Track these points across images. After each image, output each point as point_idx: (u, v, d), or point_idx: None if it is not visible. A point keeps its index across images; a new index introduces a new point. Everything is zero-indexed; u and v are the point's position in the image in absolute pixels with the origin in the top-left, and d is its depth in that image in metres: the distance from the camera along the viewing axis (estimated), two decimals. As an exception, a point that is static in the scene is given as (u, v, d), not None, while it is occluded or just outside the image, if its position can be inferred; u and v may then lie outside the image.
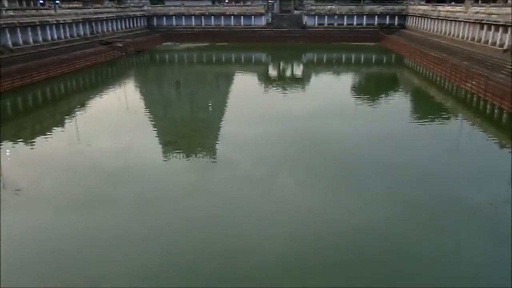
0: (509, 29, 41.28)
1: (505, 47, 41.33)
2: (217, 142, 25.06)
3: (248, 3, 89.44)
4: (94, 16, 60.40)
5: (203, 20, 79.18)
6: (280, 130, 26.67)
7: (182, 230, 15.13)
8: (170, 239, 14.54)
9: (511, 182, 19.03)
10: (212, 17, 79.06)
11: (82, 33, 56.87)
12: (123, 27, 69.56)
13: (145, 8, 79.61)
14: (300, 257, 13.50)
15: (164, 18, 79.55)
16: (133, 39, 66.20)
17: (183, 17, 79.29)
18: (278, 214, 16.11)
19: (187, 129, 28.84)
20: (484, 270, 12.94)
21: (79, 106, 34.37)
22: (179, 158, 22.51)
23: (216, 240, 14.44)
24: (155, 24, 79.65)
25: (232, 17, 78.89)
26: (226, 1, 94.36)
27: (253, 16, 78.88)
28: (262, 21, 79.10)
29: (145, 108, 34.58)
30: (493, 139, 26.09)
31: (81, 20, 56.42)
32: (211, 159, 22.30)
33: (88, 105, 35.02)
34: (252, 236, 14.71)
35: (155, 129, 28.24)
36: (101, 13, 63.34)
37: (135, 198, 17.46)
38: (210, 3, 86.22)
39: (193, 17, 79.12)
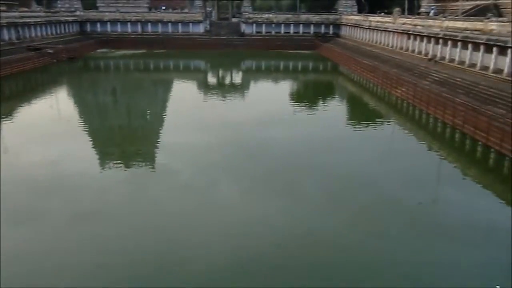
0: (432, 39, 44.29)
1: (429, 56, 44.27)
2: (156, 151, 24.47)
3: (186, 10, 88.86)
4: (20, 21, 56.92)
5: (139, 26, 77.32)
6: (220, 137, 26.58)
7: (121, 242, 14.53)
8: (107, 252, 13.91)
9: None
10: (149, 23, 77.46)
11: (6, 38, 53.32)
12: (54, 32, 66.20)
13: (78, 13, 76.36)
14: (244, 264, 13.46)
15: (98, 24, 76.73)
16: (65, 45, 63.22)
17: (118, 23, 76.89)
18: (221, 223, 15.97)
19: (125, 138, 27.92)
20: (414, 266, 13.60)
21: (4, 116, 32.11)
22: (117, 169, 21.70)
23: (157, 250, 14.03)
24: (88, 30, 76.59)
25: (169, 24, 77.78)
26: (163, 7, 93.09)
27: (191, 24, 78.33)
28: (200, 29, 78.78)
29: (79, 117, 33.05)
30: (422, 142, 27.71)
31: (5, 24, 52.93)
32: (150, 169, 21.72)
33: (15, 115, 32.82)
34: (194, 244, 14.45)
35: (90, 138, 27.05)
36: (29, 17, 59.85)
37: (69, 211, 16.54)
38: (146, 10, 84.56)
39: (129, 23, 77.00)
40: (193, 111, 35.26)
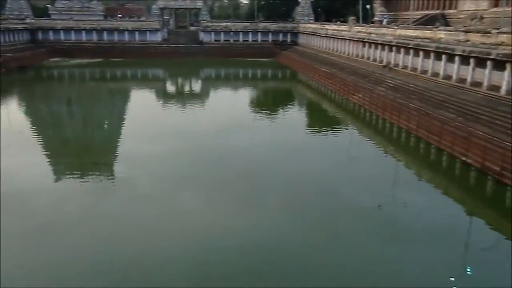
0: (386, 47, 45.85)
1: (383, 63, 45.77)
2: (115, 161, 23.83)
3: (143, 18, 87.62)
4: (-34, 28, 54.18)
5: (95, 35, 75.41)
6: (181, 146, 26.26)
7: (82, 256, 13.97)
8: (67, 267, 13.34)
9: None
10: (105, 32, 75.70)
11: (-49, 46, 50.59)
12: (2, 40, 63.33)
13: (28, 21, 73.49)
14: (208, 272, 13.29)
15: (51, 32, 74.13)
16: (15, 54, 60.63)
17: (72, 31, 74.65)
18: (183, 231, 15.73)
19: (81, 149, 26.97)
20: (375, 267, 13.89)
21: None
22: (74, 180, 20.93)
23: (117, 261, 13.61)
24: (40, 38, 73.84)
25: (126, 32, 76.37)
26: (119, 15, 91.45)
27: (148, 32, 77.23)
28: (158, 37, 77.87)
29: (32, 129, 31.70)
30: (379, 147, 28.50)
31: (-51, 32, 50.19)
32: (109, 179, 21.11)
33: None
34: (157, 255, 14.13)
35: (45, 150, 25.97)
36: (-25, 25, 57.09)
37: (24, 225, 15.76)
38: (102, 18, 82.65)
39: (83, 31, 74.94)
40: (153, 120, 34.67)
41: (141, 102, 44.70)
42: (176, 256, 14.27)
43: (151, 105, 42.77)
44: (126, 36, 76.38)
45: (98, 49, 73.36)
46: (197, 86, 58.68)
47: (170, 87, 57.46)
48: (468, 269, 13.62)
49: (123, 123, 33.51)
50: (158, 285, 12.71)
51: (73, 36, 74.78)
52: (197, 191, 19.85)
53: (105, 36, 75.74)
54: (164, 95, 49.15)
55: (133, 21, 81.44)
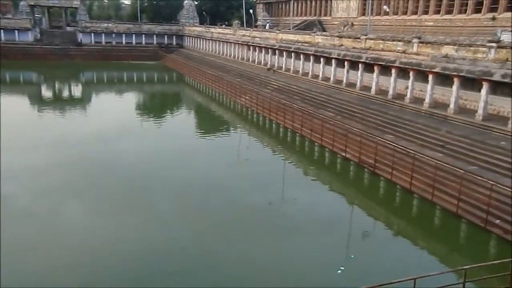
0: (269, 50, 47.87)
1: (268, 66, 47.69)
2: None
3: (9, 15, 79.30)
4: None
5: None
6: (62, 156, 24.27)
7: None
8: None
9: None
10: (-41, 29, 66.78)
11: None
12: None
13: None
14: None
15: None
16: None
17: None
18: (70, 246, 14.55)
19: None
20: (269, 261, 14.38)
21: None
22: None
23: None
24: None
25: (-11, 31, 68.33)
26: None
27: (17, 31, 70.00)
28: (29, 37, 71.03)
29: None
30: (268, 147, 29.55)
31: None
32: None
33: None
34: (38, 273, 12.86)
35: None
36: None
37: None
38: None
39: None
40: (27, 129, 31.45)
41: (12, 109, 40.20)
42: (63, 272, 13.15)
43: (25, 112, 38.88)
44: (-11, 35, 68.37)
45: (-47, 49, 64.28)
46: (77, 90, 54.88)
47: (47, 92, 52.91)
48: (352, 256, 14.83)
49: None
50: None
51: None
52: (84, 203, 18.50)
53: (-40, 34, 66.80)
54: (39, 101, 45.05)
55: (-3, 19, 73.13)
